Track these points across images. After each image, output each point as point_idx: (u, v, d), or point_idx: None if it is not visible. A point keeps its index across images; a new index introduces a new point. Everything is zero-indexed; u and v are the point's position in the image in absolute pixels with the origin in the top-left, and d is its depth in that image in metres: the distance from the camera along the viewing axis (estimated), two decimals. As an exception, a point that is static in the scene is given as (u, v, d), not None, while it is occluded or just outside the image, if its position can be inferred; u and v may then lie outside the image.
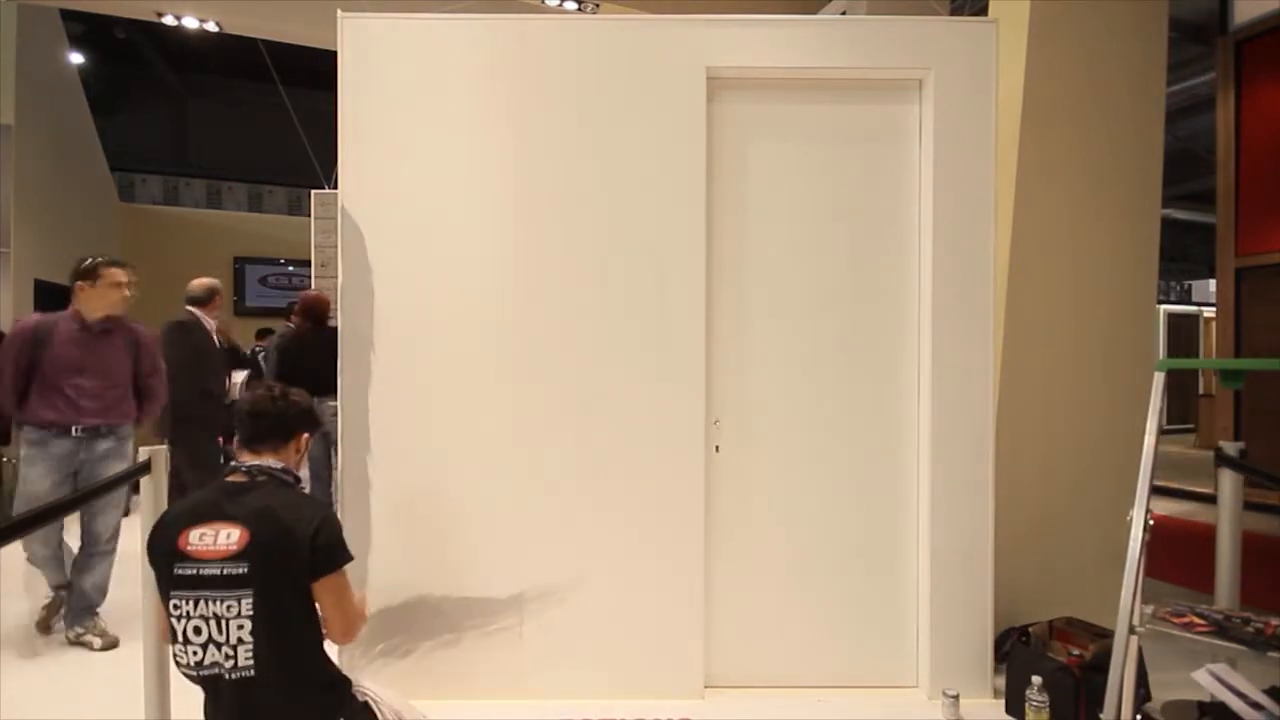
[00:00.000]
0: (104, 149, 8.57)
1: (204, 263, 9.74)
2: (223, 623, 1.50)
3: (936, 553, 2.56)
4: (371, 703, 1.68)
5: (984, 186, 2.57)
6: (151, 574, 1.57)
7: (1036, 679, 2.29)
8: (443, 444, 2.55)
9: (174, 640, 1.53)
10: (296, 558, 1.54)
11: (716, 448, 2.63)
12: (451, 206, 2.56)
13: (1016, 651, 2.52)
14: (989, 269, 2.58)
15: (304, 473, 3.35)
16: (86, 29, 9.20)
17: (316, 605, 1.60)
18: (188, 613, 1.51)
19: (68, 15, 7.49)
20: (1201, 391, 10.29)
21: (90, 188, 8.27)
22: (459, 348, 2.56)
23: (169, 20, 6.04)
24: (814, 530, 2.65)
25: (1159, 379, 2.08)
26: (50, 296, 6.83)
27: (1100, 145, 3.09)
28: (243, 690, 1.51)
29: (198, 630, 1.50)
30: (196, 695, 1.59)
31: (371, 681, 1.78)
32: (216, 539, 1.53)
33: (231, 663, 1.50)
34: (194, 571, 1.51)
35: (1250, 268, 6.21)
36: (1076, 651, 2.46)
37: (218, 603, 1.50)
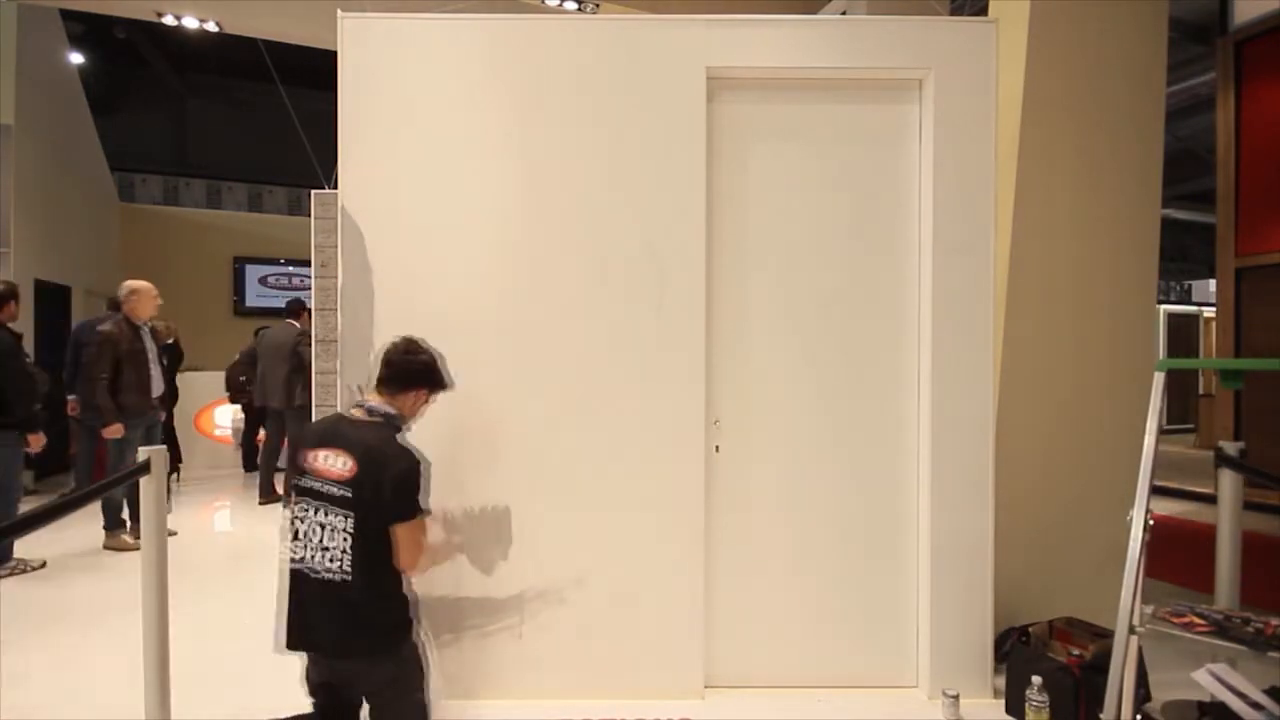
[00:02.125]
0: (104, 149, 8.57)
1: (204, 263, 9.79)
2: (334, 531, 1.80)
3: (937, 552, 2.56)
4: (422, 650, 1.93)
5: (984, 187, 2.57)
6: (151, 571, 1.79)
7: (1036, 679, 2.29)
8: (443, 444, 2.54)
9: (291, 537, 1.85)
10: (384, 498, 1.79)
11: (716, 448, 2.63)
12: (451, 206, 2.56)
13: (1016, 651, 2.52)
14: (989, 269, 2.57)
15: None
16: (86, 29, 9.20)
17: None
18: (306, 516, 1.83)
19: (68, 15, 7.49)
20: (1201, 391, 10.29)
21: (90, 188, 8.27)
22: (458, 348, 2.54)
23: (169, 20, 6.05)
24: (814, 530, 2.65)
25: (1159, 379, 2.08)
26: (50, 296, 6.83)
27: (1100, 145, 3.09)
28: (331, 591, 1.79)
29: (312, 532, 1.82)
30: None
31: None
32: (336, 462, 1.83)
33: (337, 565, 1.79)
34: (318, 486, 1.83)
35: (1250, 268, 6.21)
36: (1076, 651, 2.46)
37: (332, 514, 1.80)
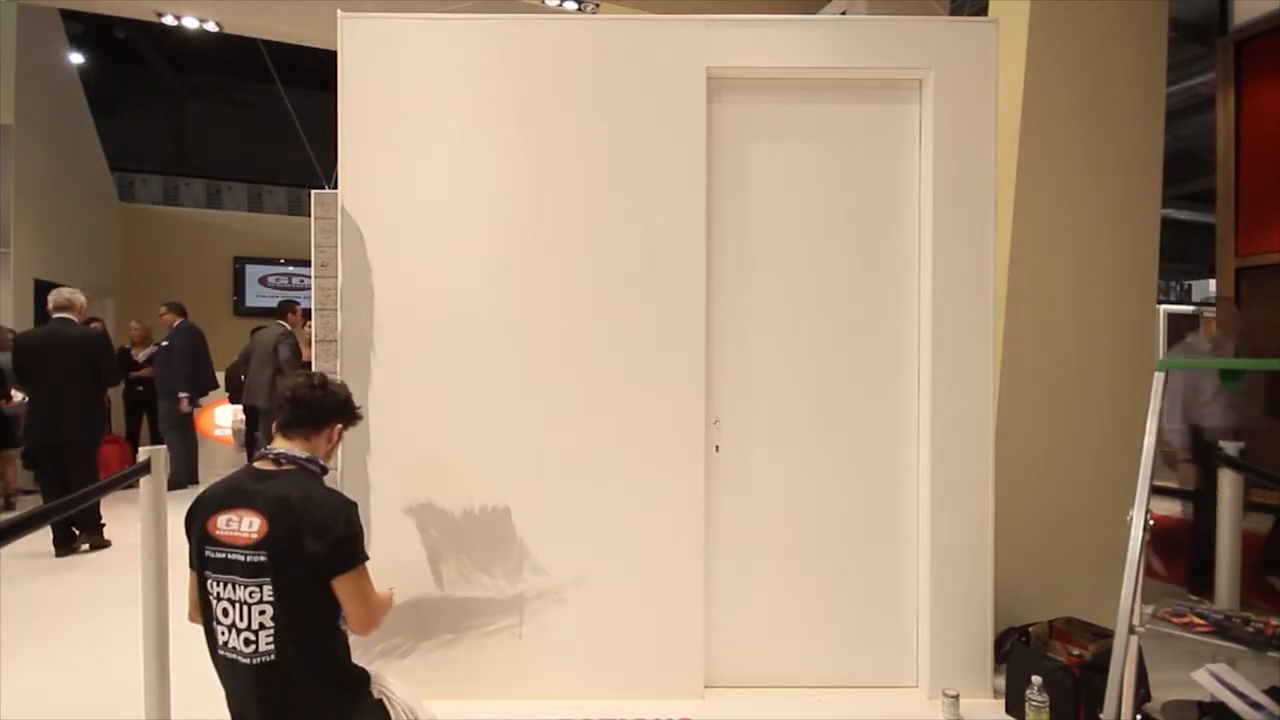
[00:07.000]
0: (104, 149, 8.57)
1: (204, 263, 9.78)
2: (245, 608, 1.53)
3: (936, 552, 2.56)
4: (386, 701, 1.69)
5: (984, 186, 2.57)
6: (151, 571, 1.69)
7: (1036, 679, 2.29)
8: (442, 444, 2.55)
9: (208, 620, 1.58)
10: (311, 552, 1.54)
11: (716, 448, 2.63)
12: (451, 206, 2.56)
13: (1016, 651, 2.52)
14: (989, 269, 2.57)
15: None
16: (86, 29, 9.20)
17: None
18: (219, 594, 1.56)
19: (68, 15, 7.50)
20: (1201, 391, 10.25)
21: (90, 188, 8.28)
22: (458, 347, 2.56)
23: (169, 20, 6.04)
24: (814, 530, 2.65)
25: (1159, 379, 2.08)
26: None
27: (1101, 145, 3.09)
28: (263, 674, 1.54)
29: (225, 612, 1.55)
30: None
31: (391, 677, 1.79)
32: (240, 525, 1.56)
33: (253, 648, 1.53)
34: (223, 556, 1.55)
35: (1250, 268, 6.19)
36: (1076, 651, 2.46)
37: (242, 588, 1.53)
